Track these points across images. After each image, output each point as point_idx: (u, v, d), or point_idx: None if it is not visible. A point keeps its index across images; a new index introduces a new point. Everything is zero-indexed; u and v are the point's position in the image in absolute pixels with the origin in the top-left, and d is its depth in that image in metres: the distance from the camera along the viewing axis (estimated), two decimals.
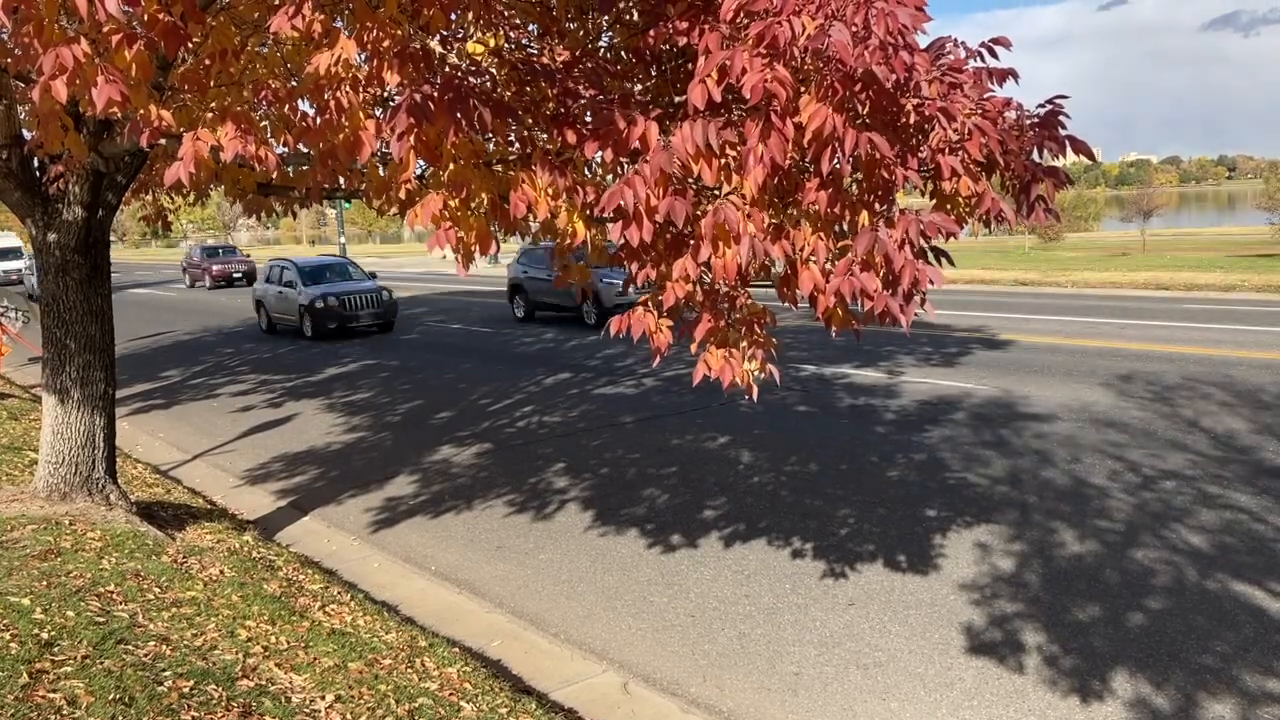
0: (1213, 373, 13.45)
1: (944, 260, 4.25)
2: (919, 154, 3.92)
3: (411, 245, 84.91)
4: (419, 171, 4.62)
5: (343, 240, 52.40)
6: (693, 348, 4.54)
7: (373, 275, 24.97)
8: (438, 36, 4.51)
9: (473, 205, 4.40)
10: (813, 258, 4.00)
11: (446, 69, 4.34)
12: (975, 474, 9.44)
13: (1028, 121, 4.29)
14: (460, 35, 5.01)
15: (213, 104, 4.89)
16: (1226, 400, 11.81)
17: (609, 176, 4.78)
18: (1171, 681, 5.47)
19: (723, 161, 3.89)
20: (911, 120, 3.85)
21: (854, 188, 4.13)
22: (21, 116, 6.85)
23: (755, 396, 4.69)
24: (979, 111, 3.96)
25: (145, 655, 4.71)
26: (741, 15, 3.68)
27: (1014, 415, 11.69)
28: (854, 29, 3.44)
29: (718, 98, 3.74)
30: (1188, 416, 11.12)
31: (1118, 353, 15.53)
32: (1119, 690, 5.43)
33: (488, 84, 4.57)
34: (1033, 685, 5.54)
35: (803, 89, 3.66)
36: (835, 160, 3.69)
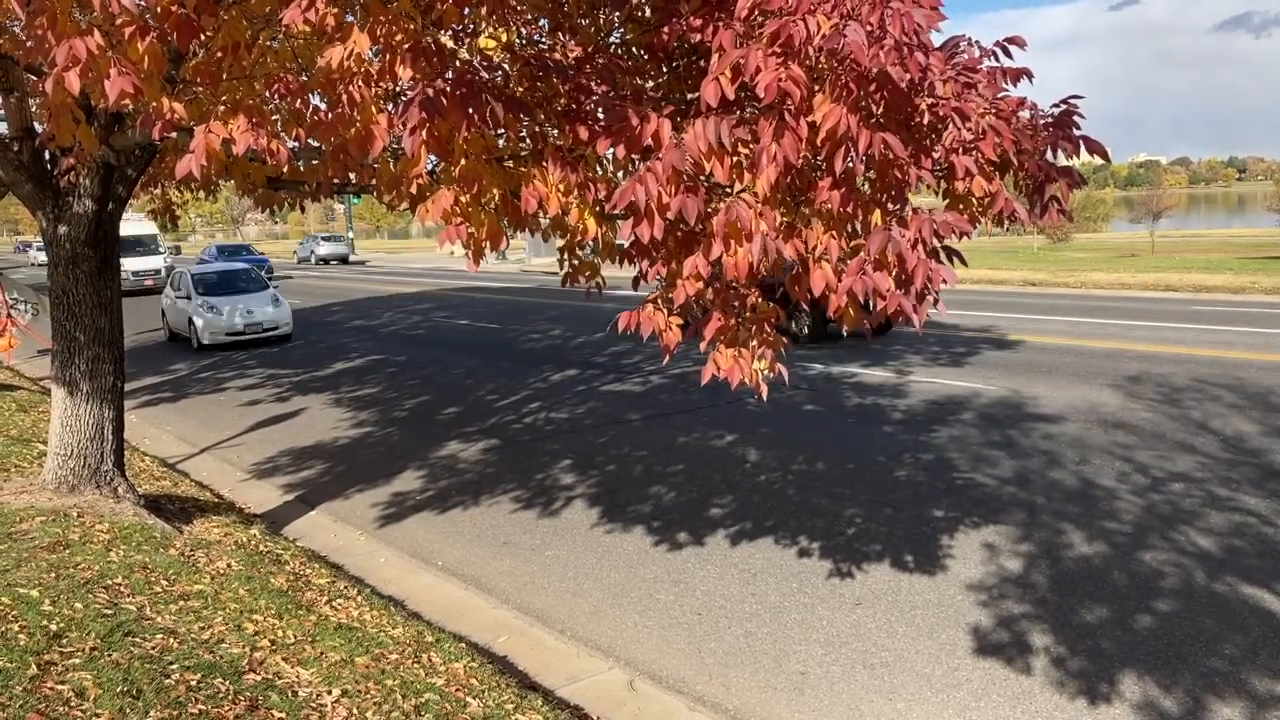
0: (1222, 374, 13.40)
1: (956, 259, 4.23)
2: (933, 154, 3.90)
3: (419, 240, 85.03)
4: (430, 167, 4.62)
5: (351, 235, 52.52)
6: (702, 346, 4.52)
7: None
8: (450, 31, 4.50)
9: (484, 201, 4.40)
10: (825, 257, 3.99)
11: (459, 64, 4.33)
12: (983, 474, 9.41)
13: (1042, 121, 4.27)
14: (473, 30, 5.00)
15: (224, 97, 4.88)
16: (1236, 402, 11.76)
17: (620, 173, 4.77)
18: (1180, 684, 5.45)
19: (735, 159, 3.87)
20: (925, 120, 3.83)
21: (867, 187, 4.12)
22: (33, 109, 6.86)
23: (764, 396, 4.68)
24: (993, 111, 3.94)
25: (153, 648, 4.72)
26: (756, 13, 3.66)
27: (1022, 416, 11.66)
28: (869, 28, 3.42)
29: (731, 95, 3.73)
30: (1197, 418, 11.08)
31: (1126, 354, 15.48)
32: (1127, 692, 5.41)
33: (500, 79, 4.56)
34: (1040, 687, 5.52)
35: (817, 88, 3.65)
36: (849, 160, 3.68)
